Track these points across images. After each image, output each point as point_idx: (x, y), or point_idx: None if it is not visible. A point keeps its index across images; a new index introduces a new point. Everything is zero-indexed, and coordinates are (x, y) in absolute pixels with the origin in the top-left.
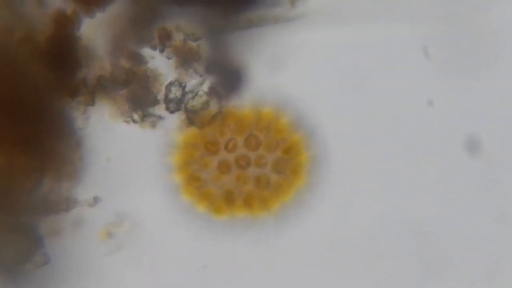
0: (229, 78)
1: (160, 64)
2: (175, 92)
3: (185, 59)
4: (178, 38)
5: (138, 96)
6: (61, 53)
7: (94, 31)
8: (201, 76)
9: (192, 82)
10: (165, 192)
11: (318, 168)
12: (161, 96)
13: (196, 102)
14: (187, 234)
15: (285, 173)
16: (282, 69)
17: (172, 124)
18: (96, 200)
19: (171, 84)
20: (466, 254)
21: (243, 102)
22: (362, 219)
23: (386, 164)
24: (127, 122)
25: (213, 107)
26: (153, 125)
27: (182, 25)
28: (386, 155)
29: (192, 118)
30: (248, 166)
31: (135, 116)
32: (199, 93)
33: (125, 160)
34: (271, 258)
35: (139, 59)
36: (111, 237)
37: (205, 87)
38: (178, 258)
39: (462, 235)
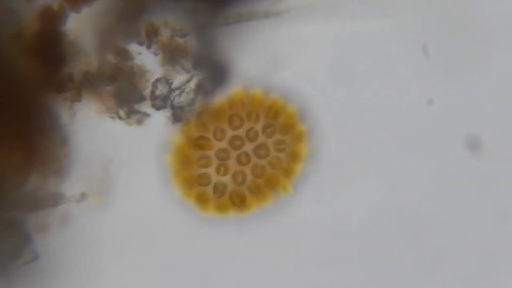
0: (216, 74)
1: (147, 60)
2: (162, 89)
3: (172, 55)
4: (165, 33)
5: (124, 92)
6: (47, 49)
7: (81, 27)
8: (188, 72)
9: (179, 78)
10: (156, 191)
11: (315, 166)
12: (147, 92)
13: (182, 99)
14: (180, 232)
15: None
16: (273, 65)
17: (158, 121)
18: (83, 196)
19: (157, 81)
20: (465, 251)
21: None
22: (362, 218)
23: (385, 161)
24: (113, 118)
25: (200, 103)
26: (139, 122)
27: (169, 20)
28: (386, 152)
29: (178, 115)
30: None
31: (121, 113)
32: (186, 90)
33: (117, 158)
34: (266, 250)
35: (125, 55)
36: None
37: (192, 84)
38: (167, 254)
39: (462, 232)
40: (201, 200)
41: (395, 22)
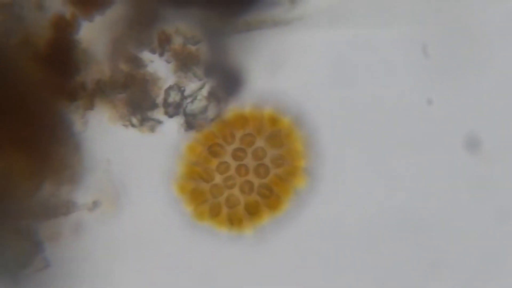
0: (228, 81)
1: (159, 67)
2: (174, 96)
3: (184, 62)
4: (177, 41)
5: (137, 100)
6: (60, 57)
7: (93, 35)
8: (200, 80)
9: (191, 86)
10: (166, 199)
11: (318, 169)
12: (160, 100)
13: (195, 107)
14: (188, 241)
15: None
16: (282, 71)
17: (170, 129)
18: (95, 204)
19: (170, 88)
20: (465, 251)
21: (242, 105)
22: (361, 218)
23: (385, 162)
24: (125, 126)
25: (212, 111)
26: (152, 129)
27: (181, 28)
28: (386, 153)
29: (191, 122)
30: (247, 172)
31: (134, 120)
32: (198, 97)
33: (126, 164)
34: (270, 258)
35: (138, 63)
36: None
37: (204, 92)
38: (177, 263)
39: (461, 231)
40: (210, 213)
41: (394, 24)
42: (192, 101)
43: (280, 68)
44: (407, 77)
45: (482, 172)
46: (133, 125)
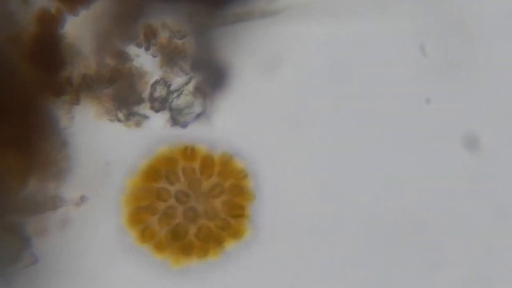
0: (215, 76)
1: (146, 62)
2: (160, 91)
3: (170, 57)
4: (163, 35)
5: (123, 94)
6: (45, 52)
7: (79, 29)
8: (186, 74)
9: (177, 80)
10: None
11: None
12: (146, 94)
13: (181, 101)
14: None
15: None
16: (272, 65)
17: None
18: (83, 199)
19: (156, 82)
20: (464, 249)
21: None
22: (360, 218)
23: (384, 160)
24: (111, 120)
25: (198, 106)
26: (138, 124)
27: (167, 22)
28: (384, 151)
29: (176, 117)
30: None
31: (120, 115)
32: (184, 92)
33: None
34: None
35: (124, 57)
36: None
37: (190, 86)
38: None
39: (460, 229)
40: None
41: (392, 22)
42: (178, 96)
43: (271, 63)
44: (405, 76)
45: (481, 170)
46: (119, 120)
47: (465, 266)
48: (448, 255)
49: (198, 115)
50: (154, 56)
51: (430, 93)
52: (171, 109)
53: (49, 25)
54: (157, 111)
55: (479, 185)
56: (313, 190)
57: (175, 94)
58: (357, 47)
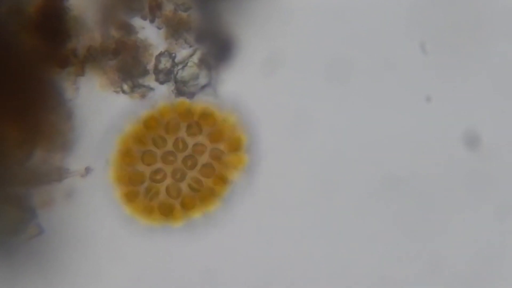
0: (220, 48)
1: (150, 34)
2: (165, 63)
3: (175, 29)
4: (168, 8)
5: (128, 66)
6: (50, 24)
7: (84, 1)
8: (191, 46)
9: (182, 52)
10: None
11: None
12: (151, 66)
13: (186, 73)
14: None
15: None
16: (275, 37)
17: (161, 95)
18: (88, 170)
19: (161, 54)
20: (464, 249)
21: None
22: (359, 216)
23: (383, 158)
24: (116, 92)
25: (203, 78)
26: (143, 96)
27: None
28: (384, 149)
29: (181, 89)
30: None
31: (125, 87)
32: (189, 64)
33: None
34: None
35: (129, 29)
36: None
37: (195, 58)
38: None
39: (460, 229)
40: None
41: (392, 18)
42: (183, 68)
43: (275, 35)
44: (405, 74)
45: (482, 168)
46: (124, 92)
47: (464, 266)
48: (447, 254)
49: (203, 87)
50: (159, 28)
51: (430, 91)
52: (176, 81)
53: None
54: (162, 83)
55: (480, 183)
56: (312, 190)
57: (180, 66)
58: (356, 44)
